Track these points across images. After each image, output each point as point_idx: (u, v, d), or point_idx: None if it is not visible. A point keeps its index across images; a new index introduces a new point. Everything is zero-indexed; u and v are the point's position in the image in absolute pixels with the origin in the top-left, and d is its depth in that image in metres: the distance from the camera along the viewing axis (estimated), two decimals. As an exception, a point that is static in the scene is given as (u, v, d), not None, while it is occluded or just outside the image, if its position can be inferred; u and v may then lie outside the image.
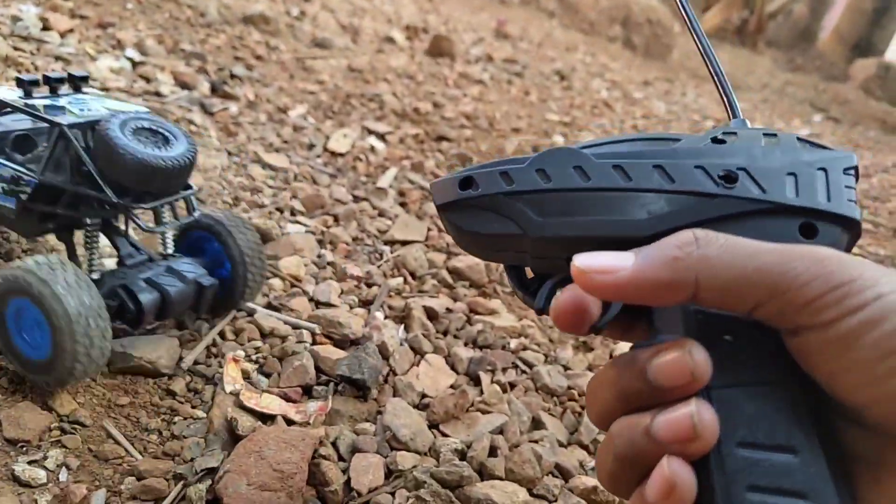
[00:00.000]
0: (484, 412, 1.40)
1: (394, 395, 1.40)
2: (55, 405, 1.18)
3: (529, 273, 0.56)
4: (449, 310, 1.77)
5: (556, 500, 1.23)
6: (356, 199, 2.33)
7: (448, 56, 4.86)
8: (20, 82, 1.24)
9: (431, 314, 1.71)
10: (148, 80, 2.78)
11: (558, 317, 0.47)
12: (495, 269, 2.02)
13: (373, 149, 2.83)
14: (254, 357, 1.42)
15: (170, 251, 1.40)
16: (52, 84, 1.28)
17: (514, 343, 1.67)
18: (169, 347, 1.35)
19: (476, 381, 1.51)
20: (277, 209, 2.08)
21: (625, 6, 8.83)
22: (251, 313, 1.54)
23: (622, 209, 0.44)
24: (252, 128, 2.70)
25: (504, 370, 1.57)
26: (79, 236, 1.38)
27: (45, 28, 2.88)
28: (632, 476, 0.42)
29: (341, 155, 2.68)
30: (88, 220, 1.29)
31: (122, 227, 1.42)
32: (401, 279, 1.86)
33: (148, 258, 1.37)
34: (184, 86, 2.87)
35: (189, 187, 1.30)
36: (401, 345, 1.55)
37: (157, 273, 1.29)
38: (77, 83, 1.33)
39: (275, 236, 1.87)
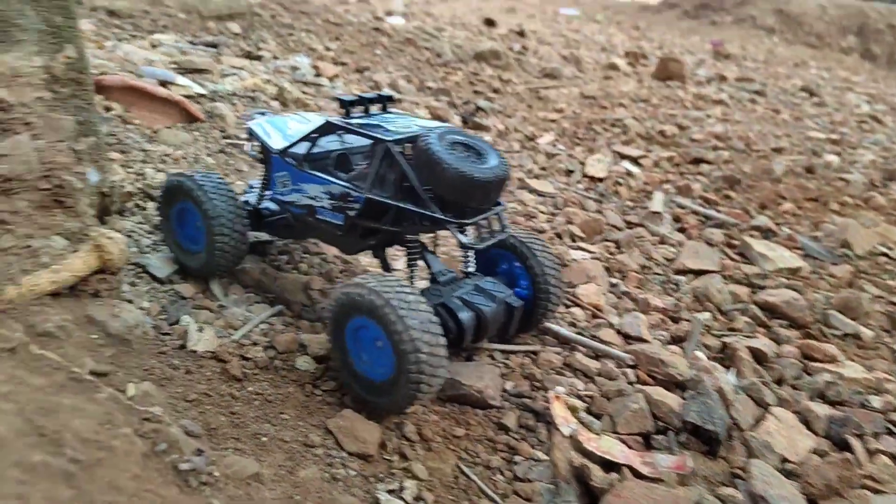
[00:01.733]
0: (874, 490, 1.12)
1: (749, 456, 1.18)
2: (392, 423, 1.13)
3: None
4: (777, 354, 1.51)
5: None
6: (630, 224, 2.16)
7: (678, 78, 4.57)
8: (342, 102, 1.27)
9: (759, 357, 1.46)
10: (409, 114, 2.86)
11: None
12: (819, 307, 1.72)
13: (629, 173, 2.65)
14: (580, 392, 1.29)
15: (471, 269, 1.32)
16: (367, 104, 1.29)
17: (875, 401, 1.36)
18: (493, 377, 1.26)
19: (841, 446, 1.24)
20: (556, 234, 1.96)
21: (859, 14, 7.88)
22: (566, 342, 1.42)
23: None
24: (509, 156, 2.65)
25: (876, 435, 1.27)
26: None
27: (318, 74, 3.09)
28: None
29: (600, 180, 2.53)
30: (409, 237, 1.25)
31: (431, 245, 1.38)
32: (708, 314, 1.64)
33: (455, 276, 1.29)
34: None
35: (499, 203, 1.22)
36: (737, 392, 1.33)
37: (468, 292, 1.22)
38: (385, 102, 1.34)
39: (567, 262, 1.74)
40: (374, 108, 1.34)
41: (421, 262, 1.31)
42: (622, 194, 2.42)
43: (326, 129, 1.25)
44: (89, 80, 1.43)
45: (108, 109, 1.80)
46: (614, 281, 1.74)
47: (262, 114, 1.51)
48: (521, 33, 5.66)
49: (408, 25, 4.90)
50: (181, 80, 2.17)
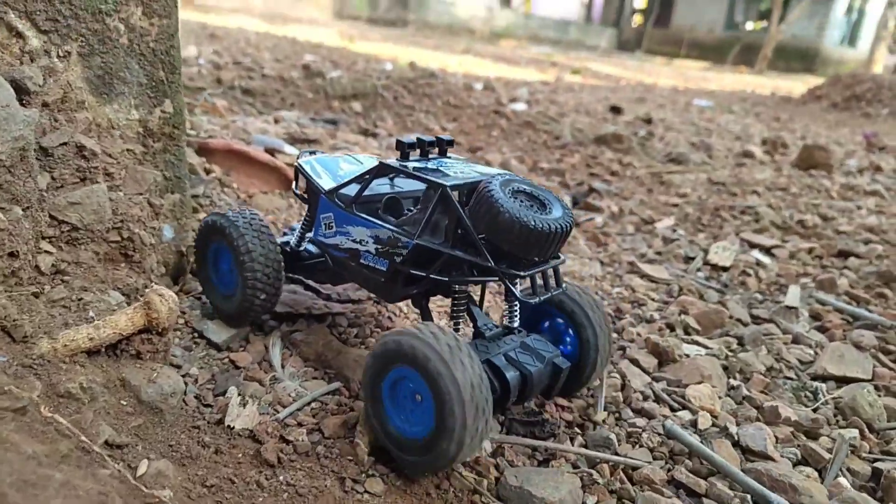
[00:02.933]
0: None
1: None
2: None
3: None
4: (950, 488, 1.15)
5: None
6: (757, 319, 1.85)
7: (823, 168, 4.15)
8: (399, 144, 1.17)
9: (926, 492, 1.13)
10: (516, 192, 2.73)
11: None
12: None
13: (759, 263, 2.34)
14: (679, 521, 1.02)
15: (515, 324, 1.20)
16: (425, 147, 1.19)
17: None
18: (572, 489, 1.03)
19: None
20: (668, 325, 1.71)
21: None
22: (672, 456, 1.16)
23: None
24: (620, 238, 2.43)
25: None
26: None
27: (429, 151, 3.08)
28: None
29: (725, 269, 2.24)
30: (457, 287, 1.15)
31: (476, 297, 1.30)
32: (855, 432, 1.31)
33: (501, 332, 1.17)
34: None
35: (558, 257, 1.12)
36: (895, 536, 1.00)
37: (513, 349, 1.12)
38: (444, 147, 1.23)
39: (676, 357, 1.49)
40: (433, 153, 1.23)
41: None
42: (750, 285, 2.11)
43: (380, 171, 1.17)
44: (183, 136, 1.42)
45: (207, 172, 1.82)
46: (734, 383, 1.46)
47: (313, 153, 1.45)
48: (648, 120, 5.47)
49: (530, 110, 4.88)
50: (289, 148, 2.20)
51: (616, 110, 6.01)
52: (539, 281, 1.11)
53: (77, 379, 0.94)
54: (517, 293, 1.06)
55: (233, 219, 1.27)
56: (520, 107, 5.01)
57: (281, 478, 0.99)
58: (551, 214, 1.03)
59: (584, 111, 5.86)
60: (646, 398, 1.36)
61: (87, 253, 1.17)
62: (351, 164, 1.37)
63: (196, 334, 1.31)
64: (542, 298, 1.09)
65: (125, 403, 1.00)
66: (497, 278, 1.06)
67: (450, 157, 1.25)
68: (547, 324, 1.28)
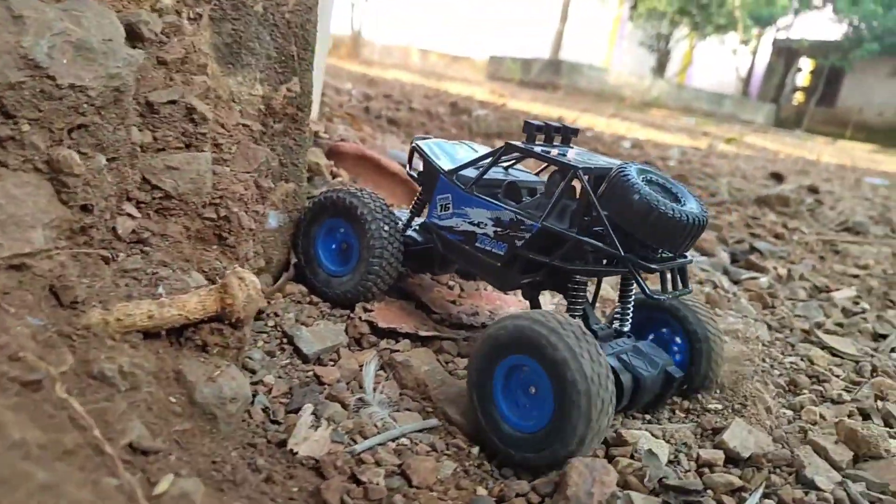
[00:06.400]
0: None
1: None
2: None
3: None
4: None
5: None
6: None
7: None
8: (527, 126, 1.14)
9: None
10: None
11: None
12: None
13: (979, 355, 1.79)
14: None
15: (626, 328, 1.12)
16: (551, 133, 1.16)
17: None
18: None
19: None
20: (860, 410, 1.27)
21: None
22: None
23: None
24: (791, 303, 1.98)
25: None
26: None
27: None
28: None
29: (931, 355, 1.73)
30: (577, 279, 1.06)
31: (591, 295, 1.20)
32: None
33: (613, 333, 1.09)
34: (701, 251, 2.38)
35: (685, 256, 1.05)
36: None
37: (626, 352, 1.04)
38: (568, 135, 1.19)
39: (881, 453, 1.07)
40: (556, 140, 1.19)
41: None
42: (971, 380, 1.59)
43: (506, 150, 1.12)
44: (307, 120, 1.26)
45: (334, 176, 1.66)
46: (975, 507, 1.01)
47: (427, 136, 1.39)
48: (815, 190, 4.82)
49: (682, 166, 4.46)
50: (422, 167, 2.01)
51: (777, 177, 5.38)
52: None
53: (119, 360, 0.74)
54: (646, 287, 0.97)
55: (365, 200, 1.21)
56: (672, 161, 4.60)
57: (340, 530, 0.73)
58: (687, 207, 0.98)
59: (741, 175, 5.30)
60: (838, 502, 0.96)
61: (177, 226, 1.00)
62: (468, 151, 1.32)
63: (285, 340, 1.10)
64: (671, 296, 1.04)
65: (174, 401, 0.79)
66: (625, 269, 0.99)
67: (572, 147, 1.20)
68: (654, 332, 1.20)
